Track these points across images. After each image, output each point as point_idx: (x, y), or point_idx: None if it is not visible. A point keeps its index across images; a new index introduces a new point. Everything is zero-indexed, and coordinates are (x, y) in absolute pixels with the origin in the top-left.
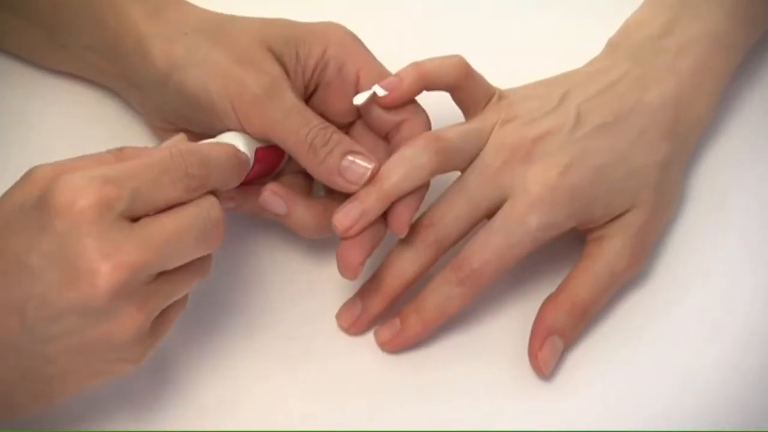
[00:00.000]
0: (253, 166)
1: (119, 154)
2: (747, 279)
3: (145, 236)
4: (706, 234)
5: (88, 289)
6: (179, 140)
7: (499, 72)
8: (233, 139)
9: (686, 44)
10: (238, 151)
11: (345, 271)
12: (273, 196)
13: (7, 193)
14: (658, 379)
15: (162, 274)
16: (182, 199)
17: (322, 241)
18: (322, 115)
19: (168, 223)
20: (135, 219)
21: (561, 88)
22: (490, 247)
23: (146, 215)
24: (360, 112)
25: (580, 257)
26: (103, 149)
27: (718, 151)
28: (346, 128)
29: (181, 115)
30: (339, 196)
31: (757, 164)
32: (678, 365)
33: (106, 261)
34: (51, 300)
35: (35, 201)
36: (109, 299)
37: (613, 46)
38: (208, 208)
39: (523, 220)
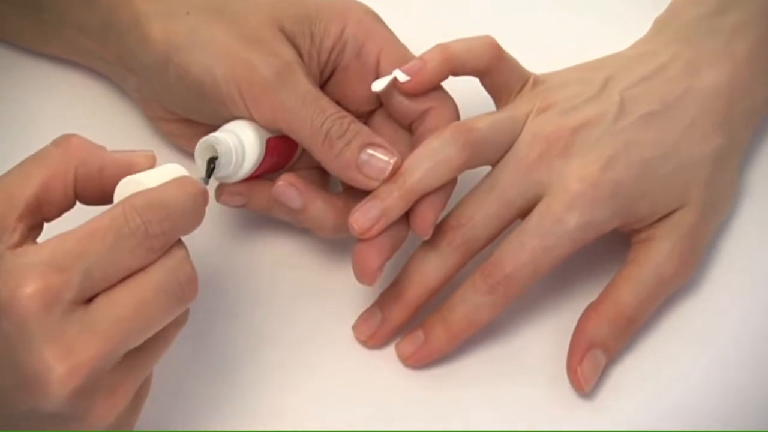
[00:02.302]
0: (263, 159)
1: (67, 146)
2: None
3: (102, 322)
4: (765, 235)
5: (45, 397)
6: (141, 157)
7: None
8: (241, 128)
9: (742, 24)
10: (197, 184)
11: (362, 276)
12: (289, 188)
13: None
14: (710, 399)
15: (130, 351)
16: (144, 264)
17: (336, 243)
18: (339, 103)
19: (128, 298)
20: (91, 298)
21: (603, 72)
22: (524, 250)
23: (103, 290)
24: (381, 100)
25: (625, 261)
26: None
27: None
28: (365, 117)
29: (183, 103)
30: (359, 192)
31: None
32: (733, 383)
33: (59, 364)
34: (11, 403)
35: None
36: (71, 403)
37: (660, 26)
38: (175, 267)
39: (560, 220)
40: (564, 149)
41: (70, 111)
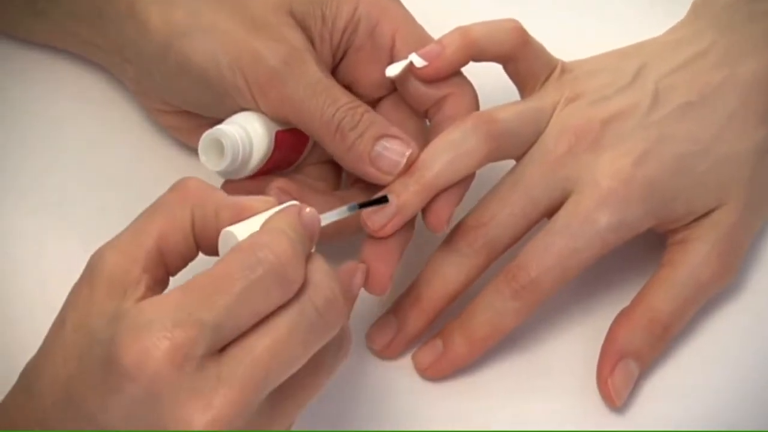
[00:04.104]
0: (272, 154)
1: (182, 190)
2: None
3: (237, 373)
4: None
5: None
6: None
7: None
8: (247, 120)
9: None
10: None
11: (374, 286)
12: (281, 196)
13: (74, 308)
14: (750, 412)
15: (277, 390)
16: (281, 303)
17: (346, 245)
18: (350, 87)
19: (263, 343)
20: (223, 347)
21: (636, 60)
22: (550, 251)
23: (236, 338)
24: (394, 85)
25: (659, 264)
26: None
27: None
28: (375, 102)
29: (185, 94)
30: (363, 191)
31: None
32: None
33: (198, 420)
34: None
35: (99, 353)
36: None
37: (698, 10)
38: (312, 297)
39: (590, 219)
40: (594, 143)
41: (64, 104)
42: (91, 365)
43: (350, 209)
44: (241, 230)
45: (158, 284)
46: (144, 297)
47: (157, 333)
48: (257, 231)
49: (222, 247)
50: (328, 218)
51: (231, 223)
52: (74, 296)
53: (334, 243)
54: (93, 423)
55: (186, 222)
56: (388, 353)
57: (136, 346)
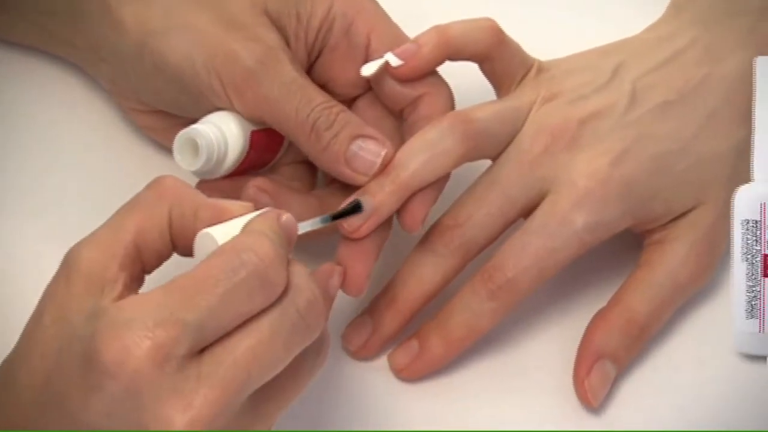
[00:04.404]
0: (247, 154)
1: (159, 188)
2: None
3: (218, 372)
4: None
5: None
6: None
7: None
8: (222, 120)
9: None
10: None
11: (351, 287)
12: (259, 194)
13: (49, 305)
14: (730, 412)
15: (259, 392)
16: (264, 306)
17: (321, 245)
18: (325, 86)
19: (245, 344)
20: (204, 348)
21: (614, 58)
22: (527, 251)
23: (218, 339)
24: (370, 84)
25: (637, 265)
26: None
27: None
28: (351, 102)
29: (161, 94)
30: (340, 190)
31: None
32: (755, 395)
33: (179, 420)
34: None
35: (79, 350)
36: None
37: (678, 6)
38: (294, 299)
39: (567, 219)
40: (570, 142)
41: (37, 104)
42: (70, 361)
43: (323, 221)
44: (219, 232)
45: (135, 281)
46: (122, 295)
47: (138, 332)
48: (239, 234)
49: (198, 248)
50: (302, 228)
51: (209, 225)
52: (51, 291)
53: (310, 243)
54: (73, 421)
55: (163, 219)
56: (363, 354)
57: (117, 344)
